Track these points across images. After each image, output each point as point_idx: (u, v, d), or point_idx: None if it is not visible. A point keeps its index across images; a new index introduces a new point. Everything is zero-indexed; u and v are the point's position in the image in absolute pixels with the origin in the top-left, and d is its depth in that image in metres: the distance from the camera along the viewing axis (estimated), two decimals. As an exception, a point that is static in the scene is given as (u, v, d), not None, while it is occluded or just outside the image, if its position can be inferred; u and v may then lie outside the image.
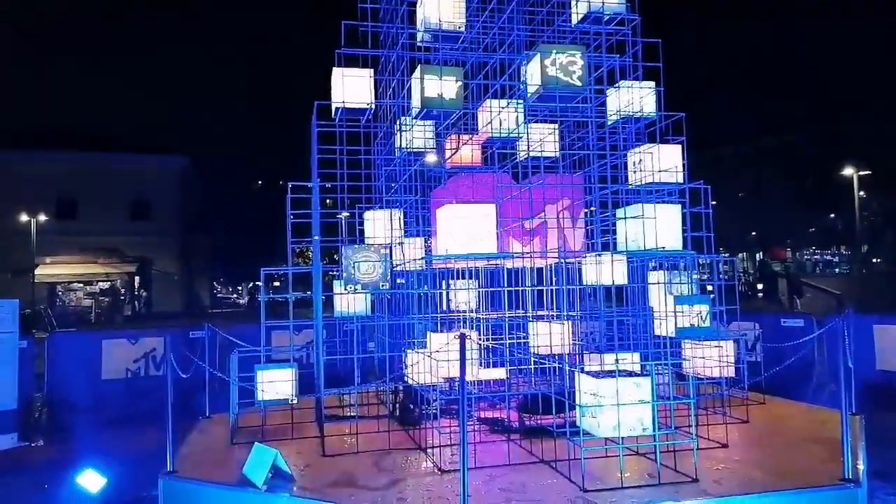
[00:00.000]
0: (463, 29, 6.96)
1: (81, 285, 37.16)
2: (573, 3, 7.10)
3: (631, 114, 7.04)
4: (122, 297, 36.14)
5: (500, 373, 7.23)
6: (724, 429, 6.12)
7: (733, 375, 6.94)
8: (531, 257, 6.95)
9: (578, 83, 5.71)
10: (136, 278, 38.25)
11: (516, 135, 7.27)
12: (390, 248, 7.39)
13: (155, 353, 10.44)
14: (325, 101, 7.41)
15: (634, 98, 6.98)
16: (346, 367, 7.67)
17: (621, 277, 7.32)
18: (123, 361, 10.28)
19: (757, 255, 50.76)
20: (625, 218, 6.31)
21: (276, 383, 6.56)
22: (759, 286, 34.37)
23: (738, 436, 6.23)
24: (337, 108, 7.39)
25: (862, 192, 34.07)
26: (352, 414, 6.73)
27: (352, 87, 7.26)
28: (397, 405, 7.36)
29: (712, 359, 6.78)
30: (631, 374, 5.08)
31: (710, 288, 7.10)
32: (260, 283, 8.46)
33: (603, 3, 6.66)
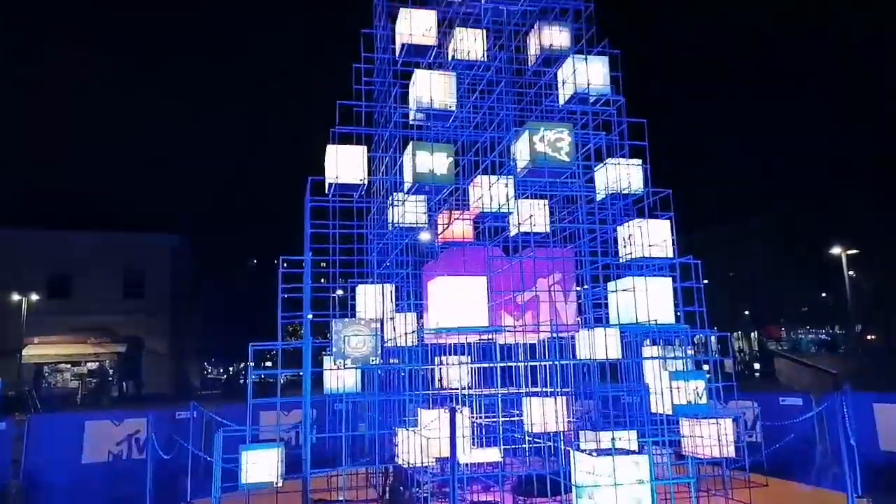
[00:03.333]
0: (454, 108, 7.16)
1: (69, 366, 36.41)
2: (560, 84, 7.36)
3: (619, 190, 7.16)
4: (110, 379, 35.40)
5: (493, 453, 7.01)
6: (727, 511, 5.90)
7: (734, 455, 6.74)
8: (523, 331, 6.88)
9: (566, 159, 5.83)
10: (126, 359, 37.58)
11: (507, 210, 7.36)
12: (382, 322, 7.31)
13: (139, 435, 10.10)
14: (319, 176, 7.52)
15: (622, 174, 7.12)
16: (334, 447, 7.42)
17: (615, 352, 7.24)
18: (106, 443, 9.94)
19: (752, 334, 50.55)
20: (616, 291, 6.30)
21: (261, 464, 6.32)
22: (756, 365, 34.05)
23: (742, 519, 5.99)
24: (331, 184, 7.49)
25: (851, 272, 34.34)
26: (340, 498, 6.46)
27: (345, 164, 7.38)
28: (387, 487, 7.09)
29: (711, 438, 6.60)
30: (628, 452, 4.93)
31: (706, 366, 6.99)
32: (251, 364, 8.32)
33: (588, 84, 6.90)
